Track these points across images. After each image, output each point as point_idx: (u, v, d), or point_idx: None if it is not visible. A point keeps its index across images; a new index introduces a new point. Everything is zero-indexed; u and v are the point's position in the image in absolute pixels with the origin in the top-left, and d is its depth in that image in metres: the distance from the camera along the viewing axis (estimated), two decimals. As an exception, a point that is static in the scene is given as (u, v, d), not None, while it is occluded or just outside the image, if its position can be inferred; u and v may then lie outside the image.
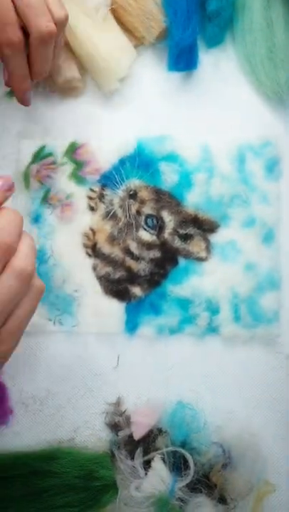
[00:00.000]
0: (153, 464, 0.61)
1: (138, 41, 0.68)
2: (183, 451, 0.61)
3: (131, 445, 0.63)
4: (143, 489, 0.60)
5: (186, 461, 0.61)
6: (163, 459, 0.61)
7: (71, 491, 0.61)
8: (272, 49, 0.65)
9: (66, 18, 0.58)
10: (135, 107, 0.68)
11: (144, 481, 0.60)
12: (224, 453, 0.62)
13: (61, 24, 0.58)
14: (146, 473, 0.61)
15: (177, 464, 0.61)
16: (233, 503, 0.61)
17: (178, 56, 0.66)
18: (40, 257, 0.66)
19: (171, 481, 0.60)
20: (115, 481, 0.62)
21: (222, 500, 0.61)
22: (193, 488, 0.61)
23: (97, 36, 0.66)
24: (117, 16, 0.67)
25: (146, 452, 0.62)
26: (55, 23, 0.57)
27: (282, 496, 0.63)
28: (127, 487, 0.61)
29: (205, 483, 0.61)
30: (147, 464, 0.62)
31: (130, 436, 0.63)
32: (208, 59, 0.68)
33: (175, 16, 0.65)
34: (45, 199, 0.67)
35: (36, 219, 0.67)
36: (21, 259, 0.47)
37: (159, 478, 0.60)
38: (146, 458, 0.61)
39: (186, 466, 0.61)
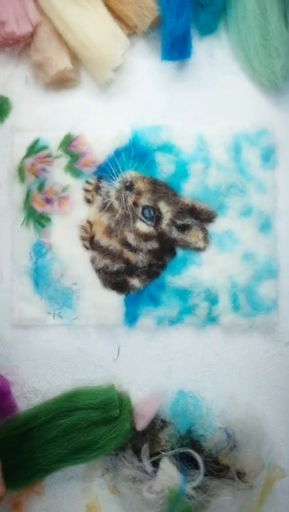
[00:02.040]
0: (161, 464, 0.62)
1: (131, 30, 0.67)
2: (192, 451, 0.62)
3: (135, 438, 0.63)
4: (155, 490, 0.61)
5: (193, 458, 0.62)
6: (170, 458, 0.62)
7: (92, 425, 0.62)
8: (266, 37, 0.65)
9: (2, 496, 0.57)
10: (129, 98, 0.68)
11: (154, 481, 0.61)
12: (229, 437, 0.63)
13: None
14: (154, 471, 0.62)
15: (185, 463, 0.62)
16: (250, 478, 0.62)
17: (171, 45, 0.65)
18: (38, 250, 0.66)
19: (181, 480, 0.61)
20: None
21: (240, 476, 0.62)
22: (205, 475, 0.62)
23: (89, 26, 0.65)
24: (109, 4, 0.66)
25: (152, 447, 0.63)
26: None
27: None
28: (139, 491, 0.61)
29: (215, 467, 0.62)
30: (155, 463, 0.63)
31: (134, 428, 0.63)
32: (201, 47, 0.67)
33: (168, 4, 0.64)
34: (41, 192, 0.67)
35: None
36: None
37: (169, 477, 0.60)
38: (153, 458, 0.62)
39: (195, 464, 0.62)
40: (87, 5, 0.66)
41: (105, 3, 0.66)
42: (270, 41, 0.65)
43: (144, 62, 0.68)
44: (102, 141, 0.67)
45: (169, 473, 0.61)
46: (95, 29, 0.65)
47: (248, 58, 0.66)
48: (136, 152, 0.66)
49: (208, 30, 0.67)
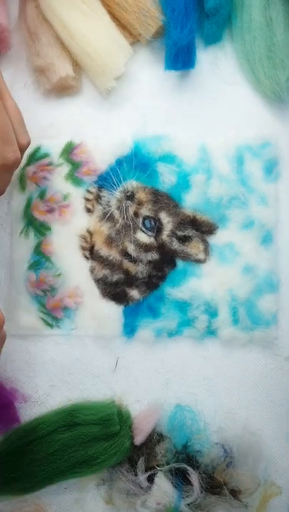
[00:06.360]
0: (156, 479, 0.61)
1: (134, 39, 0.67)
2: (187, 467, 0.62)
3: (132, 451, 0.63)
4: (149, 505, 0.60)
5: (189, 473, 0.62)
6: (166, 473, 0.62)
7: (93, 441, 0.62)
8: (271, 48, 0.64)
9: (28, 144, 0.59)
10: (132, 107, 0.67)
11: (148, 496, 0.61)
12: (226, 453, 0.63)
13: (24, 149, 0.58)
14: (149, 487, 0.62)
15: (180, 478, 0.62)
16: (245, 496, 0.62)
17: (175, 55, 0.64)
18: (37, 259, 0.66)
19: (175, 496, 0.60)
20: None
21: (234, 494, 0.62)
22: (201, 491, 0.62)
23: (92, 33, 0.65)
24: (113, 12, 0.66)
25: (148, 461, 0.62)
26: (20, 149, 0.57)
27: (285, 498, 0.63)
28: (133, 504, 0.61)
29: (211, 483, 0.61)
30: (150, 478, 0.62)
31: (131, 442, 0.63)
32: (206, 57, 0.67)
33: (172, 14, 0.64)
34: (42, 201, 0.66)
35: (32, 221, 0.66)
36: None
37: (163, 493, 0.60)
38: (148, 473, 0.62)
39: (190, 480, 0.61)
40: (90, 12, 0.65)
41: (109, 11, 0.66)
42: (275, 52, 0.64)
43: (147, 71, 0.67)
44: (103, 150, 0.66)
45: (163, 488, 0.60)
46: (98, 37, 0.65)
47: (252, 69, 0.66)
48: (137, 162, 0.66)
49: (212, 40, 0.66)
